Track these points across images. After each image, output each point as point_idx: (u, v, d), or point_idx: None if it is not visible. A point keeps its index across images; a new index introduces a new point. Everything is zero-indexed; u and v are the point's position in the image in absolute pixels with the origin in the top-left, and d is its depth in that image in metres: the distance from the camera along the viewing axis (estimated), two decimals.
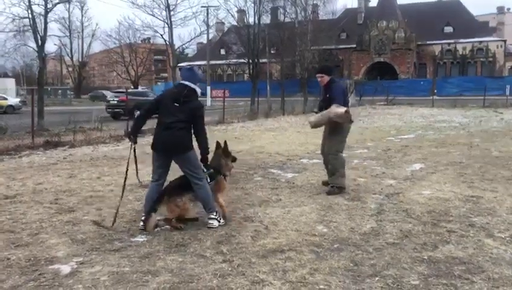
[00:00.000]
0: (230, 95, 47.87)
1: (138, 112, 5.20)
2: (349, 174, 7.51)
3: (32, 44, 17.82)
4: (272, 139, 12.63)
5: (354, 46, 57.83)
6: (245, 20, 34.70)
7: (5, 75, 72.91)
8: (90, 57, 74.05)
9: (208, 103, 36.41)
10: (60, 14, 43.68)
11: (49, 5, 16.80)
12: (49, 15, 17.32)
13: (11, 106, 33.00)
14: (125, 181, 5.03)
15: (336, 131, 6.22)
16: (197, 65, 67.34)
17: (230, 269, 3.71)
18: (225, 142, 5.28)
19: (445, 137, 12.72)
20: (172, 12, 24.74)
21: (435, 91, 38.70)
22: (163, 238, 4.45)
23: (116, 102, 23.64)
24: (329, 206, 5.59)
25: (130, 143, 4.91)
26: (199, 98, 4.92)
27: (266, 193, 6.32)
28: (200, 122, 4.74)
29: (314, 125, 6.36)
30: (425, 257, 3.90)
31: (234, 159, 5.40)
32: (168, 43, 25.91)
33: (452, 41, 57.10)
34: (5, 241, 4.34)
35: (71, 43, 64.17)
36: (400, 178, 7.20)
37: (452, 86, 47.28)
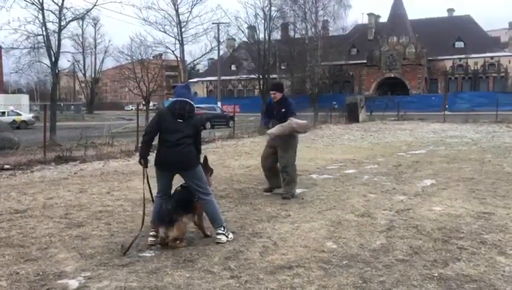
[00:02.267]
0: (241, 110, 48.16)
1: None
2: (359, 190, 7.50)
3: (46, 60, 18.15)
4: None
5: (365, 61, 57.88)
6: (255, 37, 35.00)
7: (20, 91, 74.15)
8: (103, 73, 75.04)
9: None
10: (73, 31, 44.59)
11: (63, 23, 17.13)
12: (63, 32, 17.66)
13: (24, 121, 33.49)
14: (144, 207, 5.07)
15: (290, 146, 6.99)
16: (208, 81, 67.93)
17: (237, 285, 3.68)
18: (205, 156, 5.34)
19: (456, 153, 12.61)
20: (183, 29, 24.96)
21: (446, 106, 38.50)
22: (171, 253, 4.44)
23: None
24: (339, 222, 5.55)
25: (142, 167, 4.87)
26: None
27: (275, 208, 6.30)
28: (200, 136, 4.95)
29: (276, 136, 6.88)
30: (436, 274, 3.84)
31: (211, 172, 5.49)
32: (179, 59, 26.19)
33: (463, 56, 56.89)
34: (15, 255, 4.37)
35: (84, 60, 65.28)
36: (411, 194, 7.14)
37: (464, 101, 46.96)
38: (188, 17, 25.81)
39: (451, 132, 20.80)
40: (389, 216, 5.81)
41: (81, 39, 61.99)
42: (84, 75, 68.32)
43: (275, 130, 6.83)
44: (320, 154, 12.56)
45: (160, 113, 4.83)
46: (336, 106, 36.90)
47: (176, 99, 4.80)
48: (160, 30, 25.68)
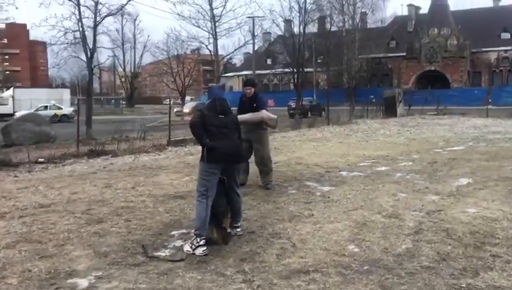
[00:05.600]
0: (275, 104, 47.85)
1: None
2: (390, 189, 7.17)
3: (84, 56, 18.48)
4: (313, 150, 12.34)
5: (404, 54, 56.38)
6: (291, 30, 34.61)
7: (63, 86, 76.52)
8: (142, 68, 76.25)
9: None
10: (109, 27, 45.63)
11: (98, 18, 17.43)
12: (99, 28, 17.96)
13: (65, 115, 34.53)
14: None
15: (265, 139, 7.49)
16: (243, 75, 68.00)
17: None
18: None
19: (498, 150, 11.96)
20: (217, 24, 24.94)
21: (490, 100, 36.89)
22: (186, 255, 4.32)
23: (293, 106, 33.18)
24: (364, 223, 5.29)
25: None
26: None
27: (299, 207, 6.09)
28: (240, 131, 5.03)
29: (243, 121, 6.87)
30: (464, 285, 3.55)
31: None
32: (213, 53, 26.21)
33: (509, 48, 54.41)
34: (31, 251, 4.37)
35: (124, 55, 66.57)
36: (444, 194, 6.76)
37: (509, 95, 44.96)
38: (221, 11, 25.77)
39: (494, 127, 19.86)
40: (418, 218, 5.50)
41: (120, 34, 63.10)
42: (124, 70, 69.72)
43: (245, 116, 7.05)
44: (353, 151, 12.20)
45: (203, 111, 4.80)
46: (374, 100, 36.12)
47: (213, 98, 4.87)
48: (194, 25, 25.77)
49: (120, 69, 72.00)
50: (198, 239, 4.41)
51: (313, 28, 39.53)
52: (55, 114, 33.29)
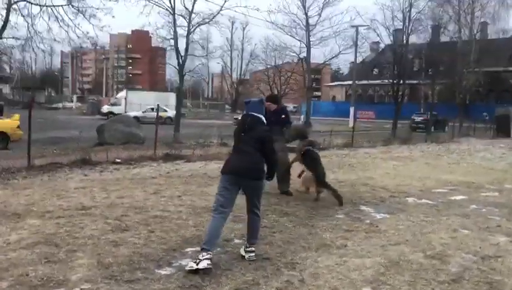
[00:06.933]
0: (376, 116, 46.06)
1: None
2: (452, 223, 6.32)
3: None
4: (389, 170, 11.45)
5: None
6: (397, 40, 32.97)
7: (178, 90, 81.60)
8: (250, 74, 78.41)
9: (350, 124, 35.34)
10: (216, 33, 47.84)
11: (191, 28, 18.14)
12: (194, 36, 18.70)
13: (169, 117, 36.53)
14: None
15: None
16: (348, 84, 66.56)
17: None
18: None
19: None
20: (310, 32, 24.65)
21: None
22: (183, 275, 4.12)
23: (420, 120, 34.96)
24: (397, 262, 4.65)
25: None
26: None
27: (335, 235, 5.57)
28: (268, 147, 4.73)
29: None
30: None
31: None
32: (305, 62, 25.97)
33: None
34: (42, 254, 4.47)
35: (231, 61, 69.04)
36: None
37: None
38: (317, 20, 25.47)
39: None
40: (468, 262, 4.70)
41: (229, 42, 65.48)
42: (231, 76, 72.38)
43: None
44: (436, 174, 11.07)
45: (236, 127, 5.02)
46: (487, 117, 33.16)
47: (245, 113, 5.01)
48: (287, 34, 25.80)
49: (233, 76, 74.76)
50: (204, 253, 4.27)
51: (419, 39, 37.26)
52: (160, 116, 35.36)
